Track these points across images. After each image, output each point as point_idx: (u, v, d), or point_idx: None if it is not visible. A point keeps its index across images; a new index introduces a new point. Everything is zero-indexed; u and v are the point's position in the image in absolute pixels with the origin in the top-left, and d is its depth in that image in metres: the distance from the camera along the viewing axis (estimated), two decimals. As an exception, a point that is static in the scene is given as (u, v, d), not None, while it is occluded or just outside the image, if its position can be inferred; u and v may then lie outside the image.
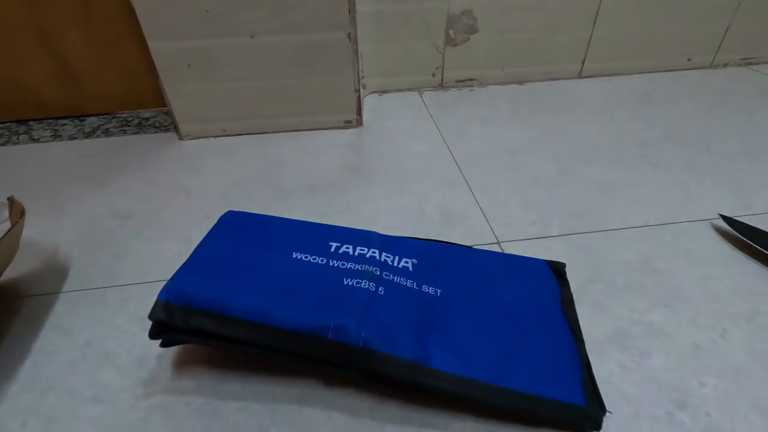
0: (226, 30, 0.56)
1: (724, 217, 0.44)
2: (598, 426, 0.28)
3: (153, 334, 0.30)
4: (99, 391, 0.32)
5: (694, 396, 0.31)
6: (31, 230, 0.46)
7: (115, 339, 0.36)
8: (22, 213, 0.36)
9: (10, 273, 0.42)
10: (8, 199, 0.37)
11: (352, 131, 0.65)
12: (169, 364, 0.34)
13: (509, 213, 0.48)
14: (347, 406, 0.31)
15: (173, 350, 0.35)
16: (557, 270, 0.37)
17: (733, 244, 0.43)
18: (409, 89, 0.76)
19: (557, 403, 0.28)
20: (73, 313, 0.39)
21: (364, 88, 0.74)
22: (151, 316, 0.29)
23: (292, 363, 0.32)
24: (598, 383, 0.30)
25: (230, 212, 0.39)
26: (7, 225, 0.37)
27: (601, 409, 0.28)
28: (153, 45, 0.56)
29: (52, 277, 0.42)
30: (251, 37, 0.57)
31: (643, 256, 0.42)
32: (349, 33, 0.57)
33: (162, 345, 0.31)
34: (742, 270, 0.40)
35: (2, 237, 0.34)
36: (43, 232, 0.48)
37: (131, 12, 0.55)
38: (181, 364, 0.34)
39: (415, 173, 0.55)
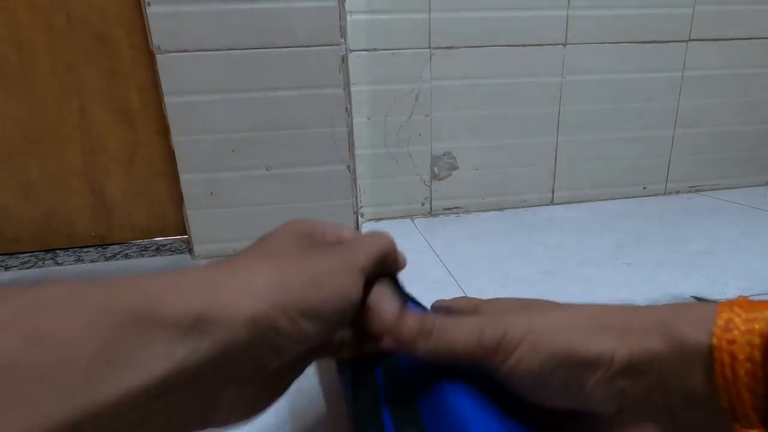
0: (247, 164, 0.67)
1: (697, 298, 0.47)
2: None
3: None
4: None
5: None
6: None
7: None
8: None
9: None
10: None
11: (351, 248, 0.72)
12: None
13: (499, 306, 0.51)
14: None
15: None
16: None
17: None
18: (402, 217, 0.85)
19: None
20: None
21: (362, 216, 0.83)
22: None
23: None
24: None
25: None
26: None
27: None
28: (184, 178, 0.67)
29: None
30: (267, 169, 0.68)
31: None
32: (349, 165, 0.69)
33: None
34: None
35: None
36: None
37: (171, 154, 0.67)
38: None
39: (408, 278, 0.59)
